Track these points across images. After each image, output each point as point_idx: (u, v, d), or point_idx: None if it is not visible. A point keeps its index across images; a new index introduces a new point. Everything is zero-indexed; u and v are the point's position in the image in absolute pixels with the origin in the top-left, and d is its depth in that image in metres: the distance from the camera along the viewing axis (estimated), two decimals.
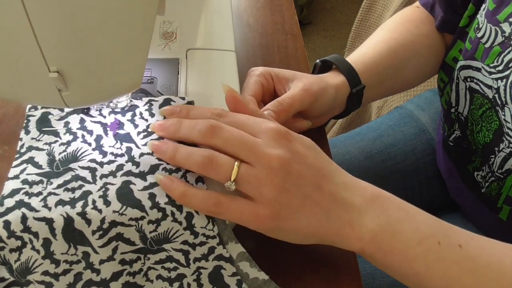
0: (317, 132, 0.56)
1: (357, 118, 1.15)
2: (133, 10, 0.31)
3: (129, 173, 0.38)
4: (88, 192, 0.36)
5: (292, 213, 0.36)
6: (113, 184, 0.37)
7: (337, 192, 0.38)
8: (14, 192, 0.36)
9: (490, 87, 0.51)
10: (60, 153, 0.38)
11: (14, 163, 0.38)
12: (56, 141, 0.39)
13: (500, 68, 0.50)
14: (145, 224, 0.36)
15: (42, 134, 0.40)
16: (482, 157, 0.56)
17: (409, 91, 1.01)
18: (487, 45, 0.52)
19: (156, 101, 0.43)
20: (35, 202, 0.35)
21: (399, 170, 0.73)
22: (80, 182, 0.37)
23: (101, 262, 0.36)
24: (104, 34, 0.31)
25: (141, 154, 0.39)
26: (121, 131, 0.40)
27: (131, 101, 0.43)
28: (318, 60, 0.57)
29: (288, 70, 0.52)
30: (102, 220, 0.35)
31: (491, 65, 0.51)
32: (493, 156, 0.53)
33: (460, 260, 0.36)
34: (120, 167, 0.38)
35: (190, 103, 0.43)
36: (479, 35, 0.53)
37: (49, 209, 0.35)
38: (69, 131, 0.40)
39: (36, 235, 0.35)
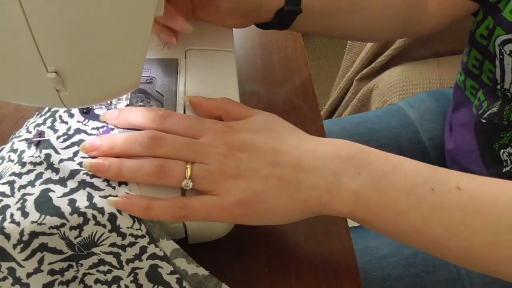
0: (316, 131, 0.56)
1: None
2: (131, 10, 0.31)
3: (48, 180, 0.36)
4: (6, 206, 0.35)
5: (258, 195, 0.36)
6: (31, 194, 0.36)
7: (301, 162, 0.37)
8: None
9: None
10: None
11: None
12: None
13: None
14: (68, 231, 0.35)
15: None
16: None
17: (408, 92, 1.01)
18: None
19: None
20: None
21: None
22: None
23: (28, 275, 0.35)
24: (102, 34, 0.31)
25: (61, 160, 0.38)
26: (42, 139, 0.39)
27: (130, 100, 0.43)
28: None
29: None
30: (21, 233, 0.34)
31: None
32: None
33: (461, 204, 0.34)
34: (39, 175, 0.37)
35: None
36: None
37: None
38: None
39: None
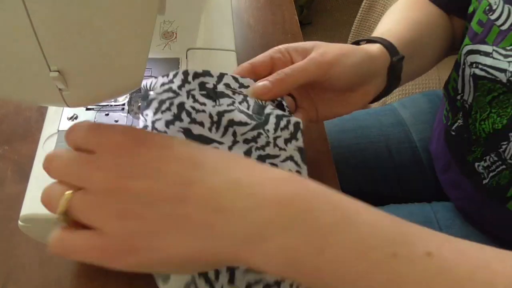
0: (316, 131, 0.56)
1: None
2: (134, 10, 0.31)
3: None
4: (182, 103, 0.38)
5: (151, 240, 0.27)
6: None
7: (219, 197, 0.27)
8: None
9: (504, 70, 0.49)
10: None
11: None
12: None
13: None
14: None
15: None
16: (486, 146, 0.54)
17: (407, 93, 1.01)
18: (504, 27, 0.49)
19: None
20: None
21: (372, 148, 0.73)
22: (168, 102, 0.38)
23: (230, 148, 0.38)
24: (105, 34, 0.31)
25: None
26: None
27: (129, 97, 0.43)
28: (350, 43, 0.53)
29: (310, 41, 0.47)
30: (210, 115, 0.38)
31: (508, 48, 0.48)
32: (505, 143, 0.51)
33: (427, 273, 0.25)
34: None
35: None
36: (492, 17, 0.50)
37: (165, 132, 0.37)
38: None
39: None
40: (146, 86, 0.42)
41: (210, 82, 0.41)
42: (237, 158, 0.30)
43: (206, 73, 0.42)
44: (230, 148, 0.38)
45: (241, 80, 0.42)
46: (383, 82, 0.50)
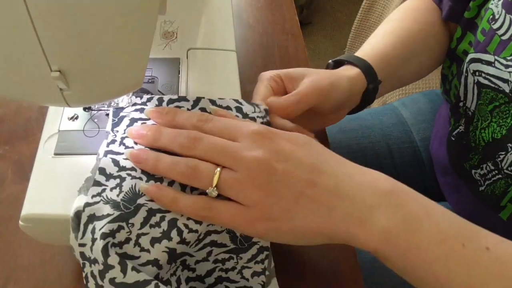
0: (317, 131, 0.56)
1: None
2: (135, 10, 0.31)
3: None
4: (175, 220, 0.36)
5: (285, 212, 0.34)
6: None
7: (339, 186, 0.35)
8: (104, 250, 0.34)
9: (506, 81, 0.49)
10: (118, 195, 0.36)
11: (80, 241, 0.35)
12: (104, 189, 0.36)
13: None
14: None
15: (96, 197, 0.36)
16: (484, 154, 0.54)
17: (407, 93, 1.01)
18: (504, 37, 0.49)
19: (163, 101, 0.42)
20: (130, 249, 0.35)
21: (373, 148, 0.73)
22: (159, 215, 0.36)
23: (197, 262, 0.39)
24: (106, 34, 0.31)
25: None
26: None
27: (131, 101, 0.43)
28: (330, 61, 0.55)
29: (299, 68, 0.50)
30: (199, 235, 0.36)
31: (509, 58, 0.49)
32: (503, 153, 0.51)
33: (486, 264, 0.33)
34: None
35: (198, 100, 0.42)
36: (495, 26, 0.50)
37: (148, 251, 0.34)
38: (110, 176, 0.37)
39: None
40: (118, 104, 0.42)
41: (185, 106, 0.41)
42: (347, 162, 0.38)
43: (182, 98, 0.42)
44: None
45: (218, 102, 0.42)
46: (356, 102, 0.54)
